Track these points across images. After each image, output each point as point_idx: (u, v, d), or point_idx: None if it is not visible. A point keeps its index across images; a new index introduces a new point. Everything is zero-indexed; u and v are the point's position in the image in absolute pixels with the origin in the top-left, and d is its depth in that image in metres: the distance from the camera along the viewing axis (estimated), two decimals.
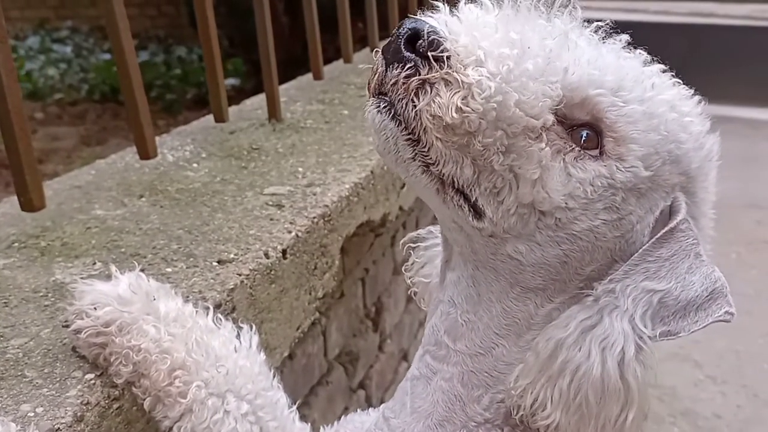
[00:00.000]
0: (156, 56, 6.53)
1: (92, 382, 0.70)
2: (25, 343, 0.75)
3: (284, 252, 1.04)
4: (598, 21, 0.62)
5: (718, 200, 0.68)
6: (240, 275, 0.94)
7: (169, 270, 0.94)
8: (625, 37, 0.63)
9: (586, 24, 0.62)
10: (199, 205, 1.16)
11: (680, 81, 0.64)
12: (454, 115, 0.53)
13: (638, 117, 0.58)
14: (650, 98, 0.58)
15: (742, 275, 3.11)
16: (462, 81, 0.53)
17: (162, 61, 6.36)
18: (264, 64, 1.57)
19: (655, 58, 0.64)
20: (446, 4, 0.60)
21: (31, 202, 0.98)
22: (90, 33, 7.28)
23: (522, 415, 0.61)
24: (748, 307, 2.87)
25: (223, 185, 1.25)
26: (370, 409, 0.77)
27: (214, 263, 0.96)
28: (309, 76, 1.98)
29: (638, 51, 0.63)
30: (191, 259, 0.97)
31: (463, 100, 0.53)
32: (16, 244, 1.00)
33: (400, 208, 1.56)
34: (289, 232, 1.08)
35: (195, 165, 1.35)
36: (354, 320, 1.54)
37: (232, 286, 0.91)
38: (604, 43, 0.61)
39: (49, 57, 6.67)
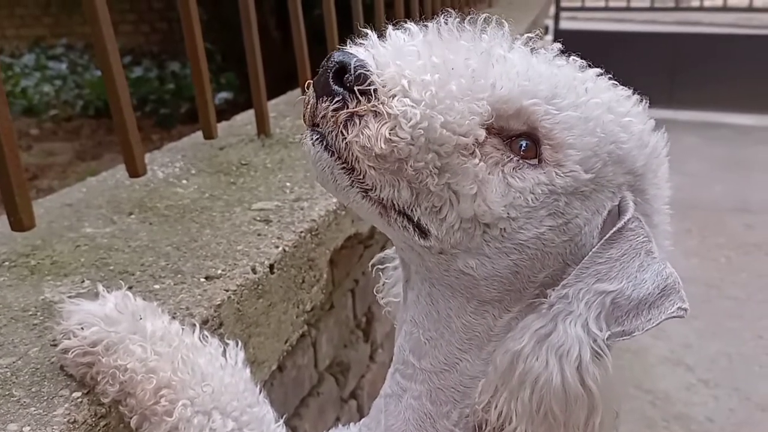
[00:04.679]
0: (150, 71, 6.58)
1: (79, 400, 0.71)
2: (14, 362, 0.77)
3: (271, 267, 1.06)
4: (534, 32, 0.63)
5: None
6: (227, 291, 0.95)
7: (156, 287, 0.95)
8: (558, 45, 0.64)
9: (516, 37, 0.62)
10: (187, 221, 1.17)
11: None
12: (383, 146, 0.54)
13: (573, 122, 0.58)
14: (584, 102, 0.59)
15: (732, 279, 3.14)
16: (388, 113, 0.54)
17: (156, 77, 6.41)
18: (253, 80, 1.59)
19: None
20: (374, 31, 0.60)
21: (20, 222, 1.00)
22: (85, 50, 7.32)
23: (489, 430, 0.61)
24: (738, 311, 2.89)
25: (211, 201, 1.26)
26: (351, 424, 0.79)
27: (202, 279, 0.98)
28: (299, 90, 2.01)
29: (572, 57, 0.64)
30: (179, 275, 0.98)
31: (391, 131, 0.54)
32: (6, 263, 1.02)
33: None
34: (277, 246, 1.09)
35: (184, 181, 1.36)
36: (344, 331, 1.55)
37: (219, 302, 0.93)
38: (535, 53, 0.62)
39: (44, 74, 6.72)
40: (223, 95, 5.80)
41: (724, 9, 6.40)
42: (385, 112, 0.54)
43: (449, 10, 0.62)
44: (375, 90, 0.55)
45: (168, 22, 7.36)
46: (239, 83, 5.60)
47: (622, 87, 0.64)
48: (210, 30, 4.85)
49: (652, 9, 6.87)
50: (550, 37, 6.23)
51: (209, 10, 4.75)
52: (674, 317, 0.57)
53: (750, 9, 6.29)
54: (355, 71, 0.55)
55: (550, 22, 6.42)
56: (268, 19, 4.51)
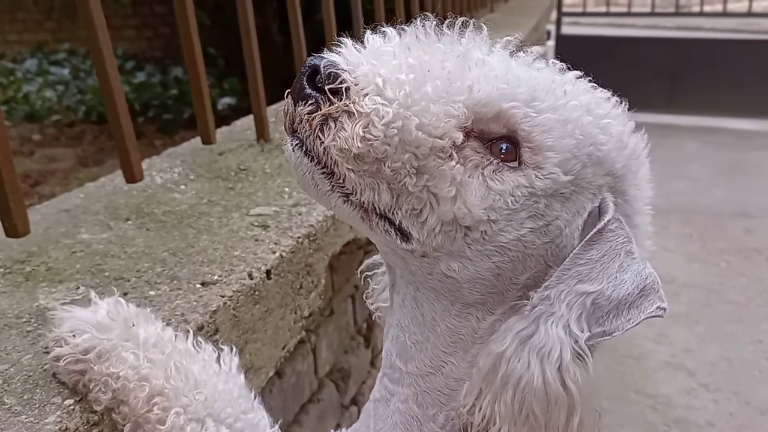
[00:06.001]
0: (153, 77, 6.58)
1: (71, 407, 0.70)
2: (6, 369, 0.76)
3: (268, 272, 1.05)
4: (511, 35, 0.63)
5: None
6: (223, 297, 0.95)
7: (152, 293, 0.95)
8: (537, 48, 0.64)
9: (495, 41, 0.63)
10: (184, 227, 1.17)
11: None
12: (359, 144, 0.55)
13: (552, 125, 0.58)
14: (563, 105, 0.59)
15: (732, 283, 3.13)
16: (359, 111, 0.55)
17: (159, 82, 6.42)
18: (252, 86, 1.59)
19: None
20: (352, 39, 0.61)
21: (15, 228, 0.99)
22: (87, 55, 7.34)
23: None
24: (738, 315, 2.88)
25: (209, 207, 1.26)
26: (343, 429, 0.78)
27: (198, 285, 0.97)
28: None
29: (552, 61, 0.64)
30: (175, 281, 0.98)
31: (365, 129, 0.55)
32: (1, 270, 1.01)
33: None
34: (274, 252, 1.09)
35: (183, 187, 1.36)
36: (345, 337, 1.54)
37: (214, 308, 0.92)
38: (514, 57, 0.62)
39: (46, 79, 6.73)
40: (227, 100, 5.81)
41: (724, 14, 6.42)
42: (356, 111, 0.55)
43: (440, 13, 0.62)
44: (347, 89, 0.55)
45: (171, 27, 7.38)
46: (242, 88, 5.61)
47: (602, 89, 0.64)
48: (213, 35, 4.87)
49: (652, 14, 6.87)
50: (551, 42, 6.24)
51: (212, 15, 4.76)
52: (653, 317, 0.57)
53: (750, 14, 6.30)
54: (325, 71, 0.56)
55: (551, 28, 6.43)
56: (271, 24, 4.52)
